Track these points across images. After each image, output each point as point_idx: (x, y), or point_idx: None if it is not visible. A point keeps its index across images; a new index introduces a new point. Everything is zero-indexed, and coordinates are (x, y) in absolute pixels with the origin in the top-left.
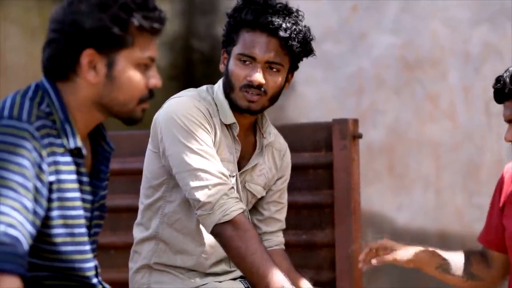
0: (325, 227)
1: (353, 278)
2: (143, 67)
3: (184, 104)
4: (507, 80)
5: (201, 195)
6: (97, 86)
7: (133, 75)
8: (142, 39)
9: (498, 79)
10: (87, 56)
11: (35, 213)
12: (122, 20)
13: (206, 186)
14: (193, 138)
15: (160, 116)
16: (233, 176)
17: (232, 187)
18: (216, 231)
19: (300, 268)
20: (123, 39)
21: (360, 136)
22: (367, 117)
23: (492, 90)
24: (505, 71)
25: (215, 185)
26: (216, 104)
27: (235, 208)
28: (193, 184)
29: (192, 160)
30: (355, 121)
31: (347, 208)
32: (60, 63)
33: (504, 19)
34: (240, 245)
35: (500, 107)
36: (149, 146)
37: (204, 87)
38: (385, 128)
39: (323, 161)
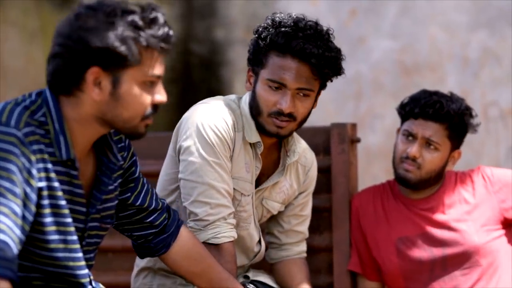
0: (323, 231)
1: (350, 282)
2: (149, 84)
3: (212, 113)
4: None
5: (200, 211)
6: (101, 103)
7: (138, 93)
8: (149, 57)
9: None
10: (92, 74)
11: (24, 218)
12: (129, 40)
13: (209, 204)
14: (213, 151)
15: (188, 120)
16: (249, 195)
17: (232, 212)
18: None
19: None
20: (129, 58)
21: (358, 140)
22: (365, 121)
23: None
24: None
25: (217, 205)
26: (242, 119)
27: (227, 234)
28: (198, 197)
29: (205, 173)
30: (354, 126)
31: (345, 212)
32: (63, 78)
33: (502, 24)
34: None
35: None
36: (170, 151)
37: (232, 97)
38: (383, 133)
39: (321, 165)
